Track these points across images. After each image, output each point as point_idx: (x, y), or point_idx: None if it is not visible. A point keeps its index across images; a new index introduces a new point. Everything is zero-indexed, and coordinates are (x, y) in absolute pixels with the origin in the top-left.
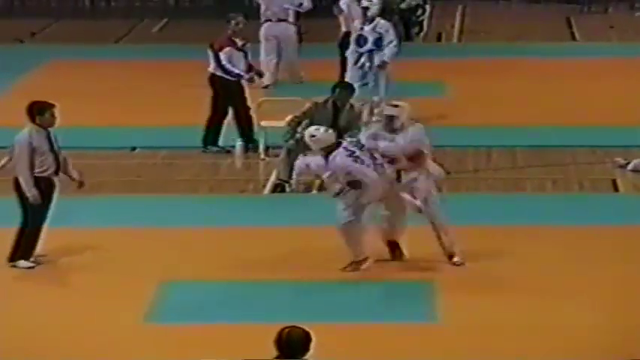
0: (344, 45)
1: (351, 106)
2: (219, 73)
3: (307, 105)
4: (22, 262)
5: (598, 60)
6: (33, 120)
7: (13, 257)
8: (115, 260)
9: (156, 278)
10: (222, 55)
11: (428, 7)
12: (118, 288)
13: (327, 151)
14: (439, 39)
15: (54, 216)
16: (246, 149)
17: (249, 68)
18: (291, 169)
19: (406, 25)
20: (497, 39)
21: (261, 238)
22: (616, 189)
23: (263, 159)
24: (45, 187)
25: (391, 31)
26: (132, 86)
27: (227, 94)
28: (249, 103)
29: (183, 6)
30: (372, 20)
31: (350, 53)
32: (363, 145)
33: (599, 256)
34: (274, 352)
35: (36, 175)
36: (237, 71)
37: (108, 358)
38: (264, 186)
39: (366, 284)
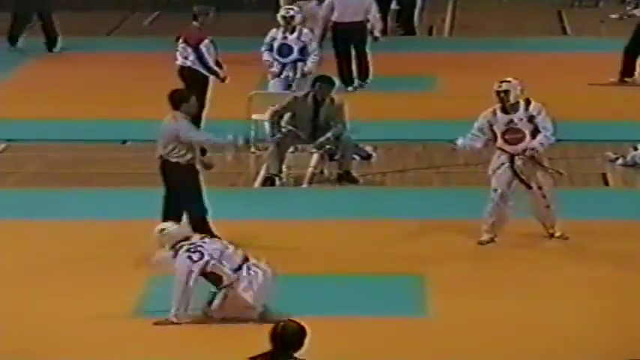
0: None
1: (332, 100)
2: (195, 66)
3: (287, 99)
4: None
5: (589, 54)
6: (177, 107)
7: None
8: (104, 253)
9: (146, 272)
10: (203, 49)
11: (419, 1)
12: (107, 281)
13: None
14: (430, 33)
15: (44, 208)
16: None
17: (217, 63)
18: (281, 162)
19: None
20: (488, 33)
21: (251, 231)
22: (606, 183)
23: (253, 152)
24: (193, 173)
25: (314, 41)
26: (123, 79)
27: (198, 86)
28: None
29: None
30: (293, 30)
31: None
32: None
33: (590, 250)
34: (264, 345)
35: (182, 162)
36: (215, 68)
37: (98, 352)
38: (254, 179)
39: (355, 278)
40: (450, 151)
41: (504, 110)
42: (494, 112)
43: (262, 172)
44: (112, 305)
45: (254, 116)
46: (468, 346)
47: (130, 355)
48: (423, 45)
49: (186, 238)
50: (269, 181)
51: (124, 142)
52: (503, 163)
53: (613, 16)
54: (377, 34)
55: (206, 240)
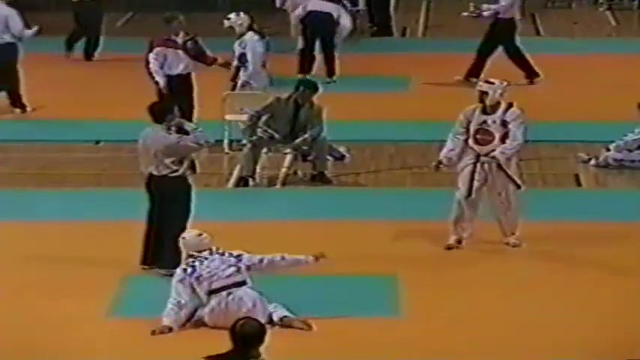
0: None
1: (312, 103)
2: (181, 71)
3: (269, 100)
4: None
5: (562, 56)
6: (160, 120)
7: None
8: (78, 254)
9: (119, 272)
10: (150, 57)
11: (392, 2)
12: (80, 282)
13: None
14: (404, 34)
15: (17, 209)
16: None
17: (214, 60)
18: (255, 163)
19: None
20: (461, 34)
21: (225, 232)
22: (579, 184)
23: (227, 153)
24: (188, 187)
25: (257, 50)
26: (96, 80)
27: (184, 91)
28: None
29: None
30: (239, 37)
31: None
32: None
33: (562, 251)
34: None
35: (178, 175)
36: (157, 78)
37: (70, 352)
38: (227, 180)
39: (329, 279)
40: (434, 168)
41: (484, 110)
42: (474, 110)
43: (236, 173)
44: (85, 306)
45: (227, 117)
46: (441, 346)
47: (102, 356)
48: (396, 46)
49: (201, 251)
50: (243, 181)
51: (97, 142)
52: (468, 163)
53: (464, 14)
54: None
55: (210, 257)
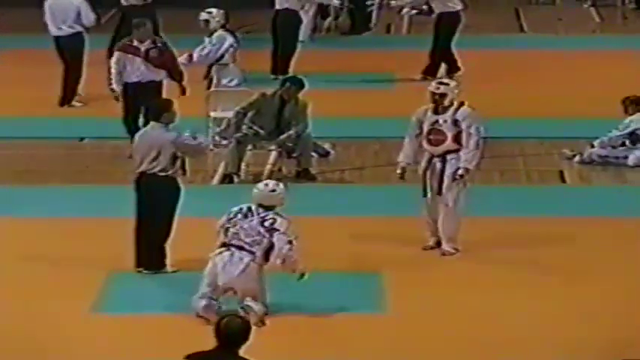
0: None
1: (297, 99)
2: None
3: (255, 96)
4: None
5: (546, 52)
6: (157, 118)
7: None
8: (63, 250)
9: (104, 268)
10: (111, 62)
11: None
12: (66, 278)
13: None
14: (388, 30)
15: (1, 206)
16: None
17: (180, 77)
18: (240, 160)
19: (352, 16)
20: None
21: (210, 228)
22: (563, 180)
23: (211, 150)
24: (177, 188)
25: (224, 45)
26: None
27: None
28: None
29: None
30: (211, 33)
31: None
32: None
33: (546, 247)
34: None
35: (169, 175)
36: (113, 85)
37: (55, 348)
38: (212, 177)
39: (313, 275)
40: (400, 177)
41: (435, 111)
42: (425, 110)
43: (220, 170)
44: (70, 302)
45: (212, 114)
46: (425, 342)
47: (89, 352)
48: (380, 42)
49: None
50: (227, 178)
51: (82, 139)
52: (423, 166)
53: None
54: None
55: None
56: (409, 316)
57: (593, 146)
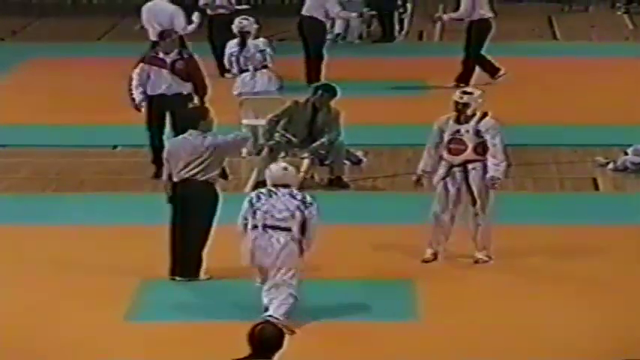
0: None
1: (329, 107)
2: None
3: (287, 104)
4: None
5: (579, 59)
6: (195, 126)
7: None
8: (96, 258)
9: (137, 276)
10: (134, 72)
11: (409, 6)
12: (98, 286)
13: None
14: (420, 37)
15: (34, 213)
16: None
17: (204, 92)
18: None
19: (383, 24)
20: None
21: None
22: (596, 188)
23: (244, 157)
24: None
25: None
26: (114, 84)
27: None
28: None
29: None
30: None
31: None
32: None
33: (579, 256)
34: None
35: (210, 180)
36: (134, 95)
37: (88, 356)
38: (245, 184)
39: (345, 283)
40: (416, 183)
41: (457, 120)
42: (447, 119)
43: (253, 177)
44: (103, 310)
45: (244, 121)
46: (457, 350)
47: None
48: (413, 50)
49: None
50: (260, 185)
51: (115, 147)
52: (441, 176)
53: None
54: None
55: (279, 193)
56: (441, 324)
57: (626, 153)
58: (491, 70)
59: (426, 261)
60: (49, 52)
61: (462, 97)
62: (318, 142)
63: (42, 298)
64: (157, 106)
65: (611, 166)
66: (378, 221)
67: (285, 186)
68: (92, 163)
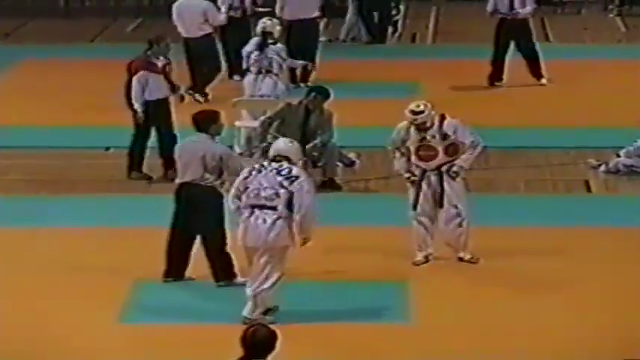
0: None
1: (322, 109)
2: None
3: (280, 105)
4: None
5: (571, 61)
6: (206, 129)
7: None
8: (88, 260)
9: (130, 278)
10: (134, 81)
11: (402, 8)
12: (92, 288)
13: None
14: (413, 40)
15: (27, 216)
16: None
17: (173, 88)
18: None
19: (368, 27)
20: (471, 40)
21: (234, 238)
22: (589, 190)
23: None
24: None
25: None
26: (106, 86)
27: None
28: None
29: (157, 5)
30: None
31: None
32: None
33: (573, 257)
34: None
35: (215, 186)
36: (136, 105)
37: (81, 358)
38: None
39: (338, 285)
40: (410, 181)
41: (418, 128)
42: (407, 129)
43: None
44: (96, 312)
45: (237, 123)
46: (451, 352)
47: None
48: (406, 51)
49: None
50: None
51: (107, 148)
52: (414, 180)
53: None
54: None
55: (268, 169)
56: (433, 326)
57: (619, 156)
58: (495, 76)
59: (417, 264)
60: (41, 54)
61: (415, 119)
62: (310, 144)
63: (34, 300)
64: (154, 112)
65: (603, 168)
66: (371, 223)
67: (287, 159)
68: (84, 165)
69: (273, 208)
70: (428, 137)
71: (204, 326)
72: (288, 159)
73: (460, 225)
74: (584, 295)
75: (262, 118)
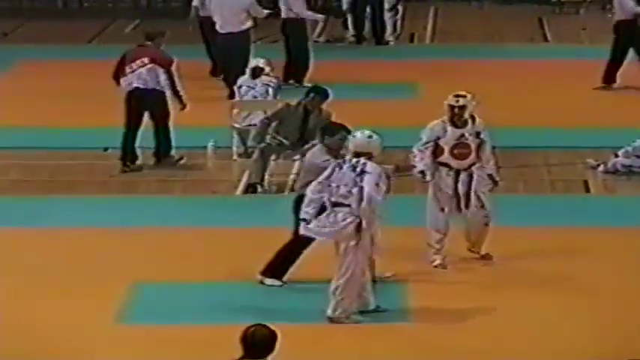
0: None
1: (320, 110)
2: (165, 89)
3: (279, 106)
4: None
5: (570, 61)
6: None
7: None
8: (86, 261)
9: (127, 279)
10: (173, 71)
11: (400, 8)
12: (89, 289)
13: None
14: (412, 40)
15: (25, 216)
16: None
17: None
18: (264, 170)
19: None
20: (469, 40)
21: (233, 239)
22: (587, 190)
23: (235, 160)
24: None
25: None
26: (104, 86)
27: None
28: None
29: (155, 6)
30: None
31: None
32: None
33: (571, 257)
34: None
35: None
36: (181, 93)
37: (79, 358)
38: (236, 187)
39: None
40: (422, 180)
41: (455, 124)
42: (443, 126)
43: (244, 180)
44: (94, 312)
45: (235, 124)
46: (451, 352)
47: None
48: (404, 52)
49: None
50: (251, 188)
51: (106, 149)
52: (448, 181)
53: None
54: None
55: (345, 167)
56: (433, 326)
57: (617, 156)
58: (609, 77)
59: (438, 267)
60: (39, 55)
61: (458, 101)
62: (309, 145)
63: (32, 300)
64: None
65: (601, 168)
66: None
67: (367, 155)
68: (83, 165)
69: (348, 206)
70: (466, 135)
71: (203, 326)
72: (368, 154)
73: (487, 224)
74: (583, 295)
75: (261, 118)
